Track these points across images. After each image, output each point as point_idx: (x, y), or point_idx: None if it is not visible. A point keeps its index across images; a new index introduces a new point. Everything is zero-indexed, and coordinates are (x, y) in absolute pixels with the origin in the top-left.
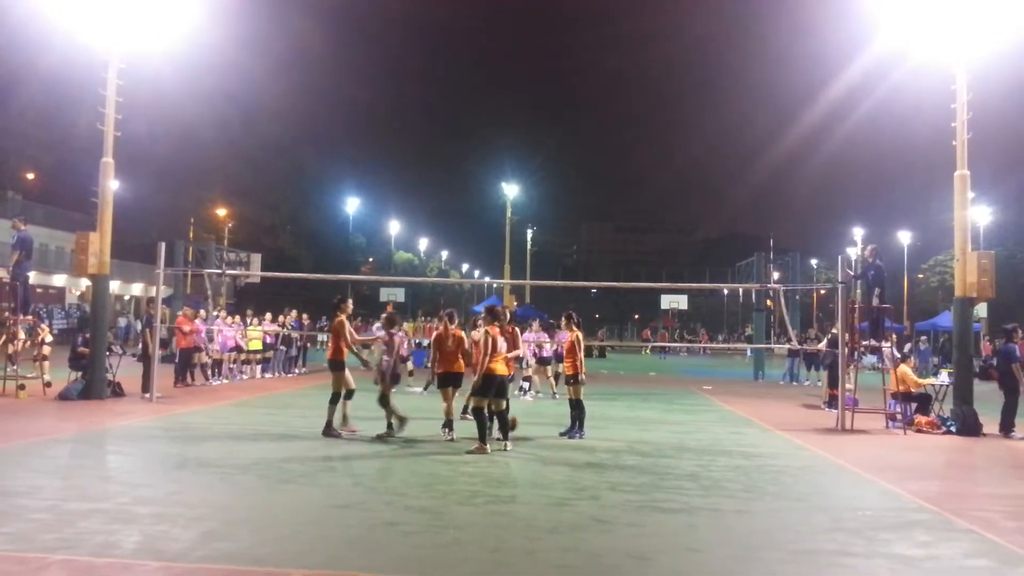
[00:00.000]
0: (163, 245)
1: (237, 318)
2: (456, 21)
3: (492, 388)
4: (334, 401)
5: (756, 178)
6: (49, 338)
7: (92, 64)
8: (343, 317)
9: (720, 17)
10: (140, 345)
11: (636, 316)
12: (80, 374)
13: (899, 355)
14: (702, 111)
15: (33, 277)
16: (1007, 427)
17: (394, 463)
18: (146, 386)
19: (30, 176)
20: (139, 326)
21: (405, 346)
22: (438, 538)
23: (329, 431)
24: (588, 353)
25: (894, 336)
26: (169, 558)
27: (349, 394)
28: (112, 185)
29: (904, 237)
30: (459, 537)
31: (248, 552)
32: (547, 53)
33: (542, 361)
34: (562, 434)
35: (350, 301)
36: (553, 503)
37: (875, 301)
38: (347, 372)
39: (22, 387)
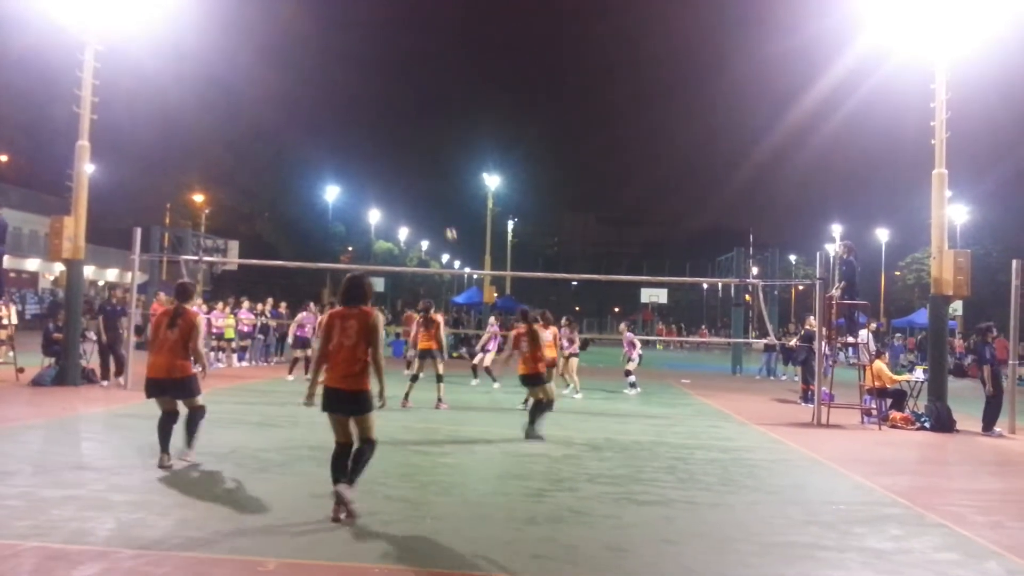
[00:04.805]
0: (139, 231)
1: (220, 305)
2: (442, 11)
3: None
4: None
5: (739, 174)
6: (8, 320)
7: (69, 45)
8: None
9: (705, 15)
10: (95, 333)
11: (617, 309)
12: (53, 360)
13: (876, 347)
14: (687, 107)
15: (6, 261)
16: (989, 425)
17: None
18: (104, 373)
19: (4, 158)
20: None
21: None
22: (416, 528)
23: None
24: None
25: (872, 325)
26: (144, 546)
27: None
28: (88, 169)
29: (882, 234)
30: (437, 527)
31: (224, 541)
32: (533, 45)
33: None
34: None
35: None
36: (531, 494)
37: (837, 294)
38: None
39: (21, 370)
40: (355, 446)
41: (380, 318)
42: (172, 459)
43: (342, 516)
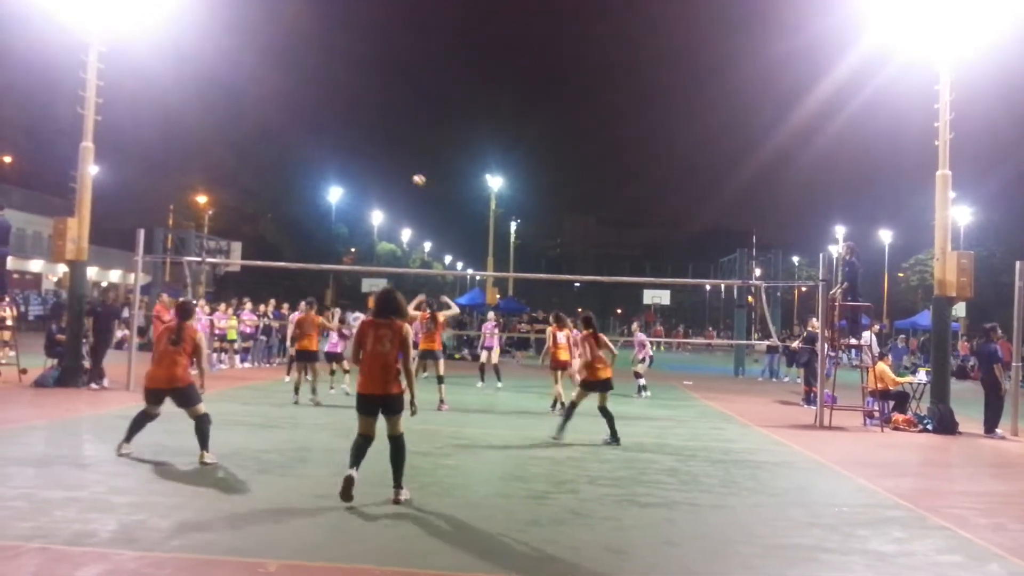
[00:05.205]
0: (142, 232)
1: (223, 306)
2: (442, 11)
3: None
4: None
5: (741, 175)
6: (9, 321)
7: (72, 46)
8: None
9: (707, 15)
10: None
11: (619, 310)
12: (56, 361)
13: (879, 350)
14: (687, 107)
15: (10, 262)
16: (991, 427)
17: (373, 455)
18: (101, 373)
19: (7, 159)
20: (124, 312)
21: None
22: (417, 530)
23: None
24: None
25: (875, 327)
26: (145, 547)
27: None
28: (91, 170)
29: (885, 236)
30: (439, 529)
31: (224, 542)
32: (533, 45)
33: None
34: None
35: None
36: (533, 496)
37: (839, 295)
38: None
39: (24, 371)
40: (388, 447)
41: (410, 330)
42: (131, 449)
43: (353, 493)
